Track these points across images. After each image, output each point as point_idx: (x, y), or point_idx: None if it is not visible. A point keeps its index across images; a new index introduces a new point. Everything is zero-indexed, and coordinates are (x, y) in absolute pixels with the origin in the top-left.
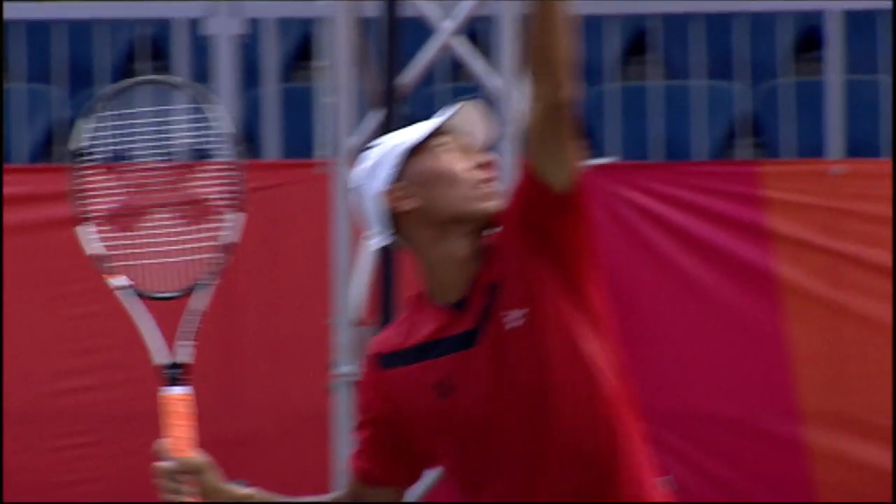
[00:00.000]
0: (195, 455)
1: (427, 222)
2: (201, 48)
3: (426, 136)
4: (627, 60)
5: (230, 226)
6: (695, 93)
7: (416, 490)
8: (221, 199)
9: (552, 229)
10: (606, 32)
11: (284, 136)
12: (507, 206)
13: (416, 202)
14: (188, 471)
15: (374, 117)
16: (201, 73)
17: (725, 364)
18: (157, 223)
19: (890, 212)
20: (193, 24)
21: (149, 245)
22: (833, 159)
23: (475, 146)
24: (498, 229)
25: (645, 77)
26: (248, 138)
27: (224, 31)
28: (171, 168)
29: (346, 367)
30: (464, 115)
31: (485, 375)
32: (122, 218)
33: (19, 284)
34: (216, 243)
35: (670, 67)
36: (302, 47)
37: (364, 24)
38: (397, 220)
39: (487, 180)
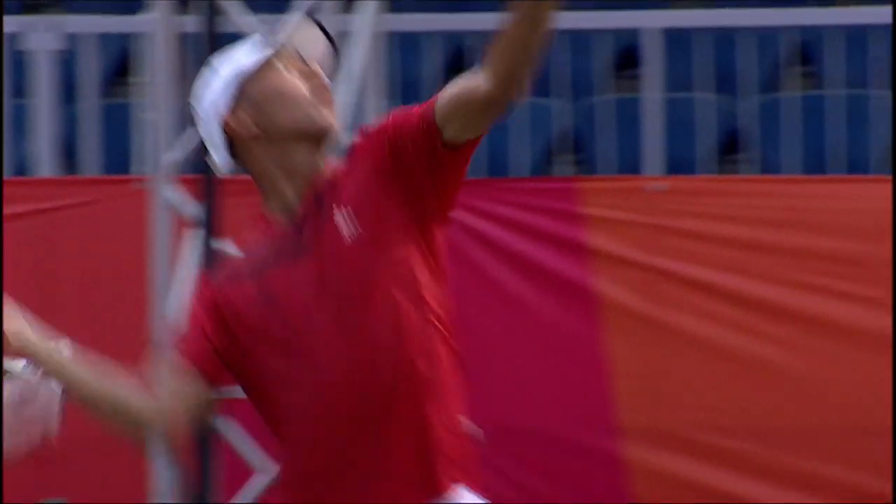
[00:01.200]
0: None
1: (267, 142)
2: (19, 63)
3: (261, 57)
4: (448, 77)
5: None
6: (515, 109)
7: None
8: None
9: (420, 165)
10: (427, 49)
11: (103, 151)
12: (380, 127)
13: (254, 123)
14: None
15: (194, 134)
16: (19, 88)
17: (544, 380)
18: None
19: (709, 228)
20: (11, 38)
21: None
22: (651, 176)
23: (310, 64)
24: (338, 145)
25: None
26: (67, 154)
27: (42, 45)
28: None
29: None
30: (297, 34)
31: (311, 287)
32: None
33: None
34: None
35: None
36: (121, 63)
37: (184, 40)
38: (238, 144)
39: (325, 95)
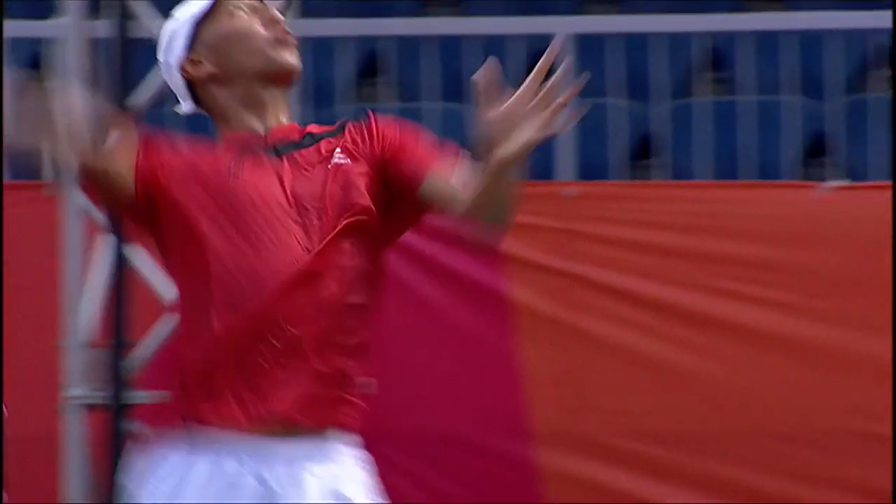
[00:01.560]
0: None
1: (226, 84)
2: None
3: (214, 1)
4: (361, 82)
5: None
6: (427, 115)
7: None
8: None
9: (394, 186)
10: (339, 54)
11: (14, 156)
12: (392, 128)
13: (212, 67)
14: None
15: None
16: None
17: (458, 385)
18: None
19: (622, 233)
20: None
21: None
22: (564, 181)
23: (269, 8)
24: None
25: (377, 99)
26: None
27: None
28: None
29: (77, 389)
30: None
31: (275, 180)
32: None
33: None
34: None
35: (403, 89)
36: (33, 68)
37: (95, 45)
38: (198, 88)
39: (286, 37)
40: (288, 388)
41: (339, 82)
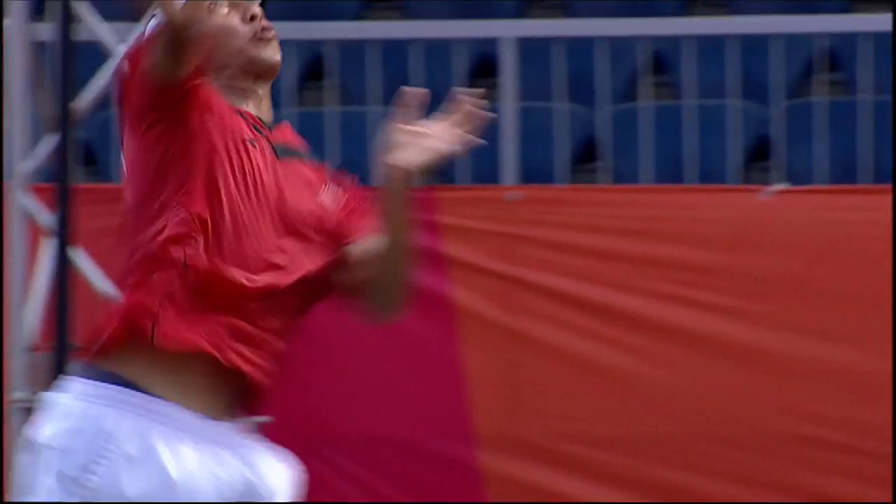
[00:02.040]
0: None
1: (210, 76)
2: None
3: None
4: (304, 86)
5: None
6: (371, 119)
7: None
8: None
9: None
10: (283, 57)
11: None
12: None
13: None
14: None
15: (49, 142)
16: None
17: (401, 388)
18: None
19: (565, 237)
20: None
21: None
22: (508, 185)
23: (250, 5)
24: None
25: (321, 103)
26: None
27: None
28: None
29: (20, 393)
30: None
31: (273, 177)
32: None
33: None
34: None
35: (347, 93)
36: None
37: (39, 48)
38: None
39: (265, 33)
40: (246, 359)
41: (283, 86)
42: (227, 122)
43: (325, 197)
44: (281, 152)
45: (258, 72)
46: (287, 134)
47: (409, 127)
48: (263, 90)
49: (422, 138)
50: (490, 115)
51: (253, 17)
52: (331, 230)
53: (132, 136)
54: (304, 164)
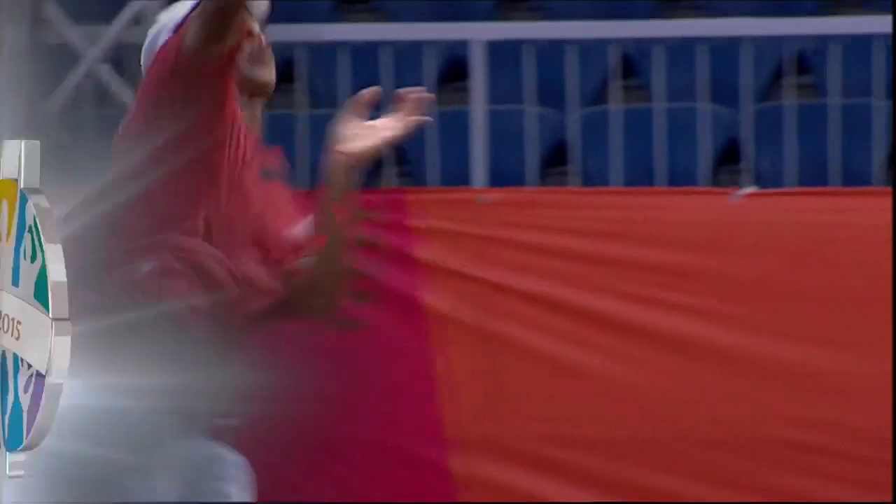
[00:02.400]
0: None
1: None
2: None
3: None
4: (275, 89)
5: None
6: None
7: None
8: None
9: None
10: None
11: None
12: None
13: None
14: None
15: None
16: None
17: (375, 390)
18: None
19: (538, 239)
20: None
21: None
22: (480, 188)
23: (249, 22)
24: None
25: (291, 106)
26: None
27: None
28: None
29: None
30: None
31: (256, 201)
32: None
33: None
34: None
35: (315, 97)
36: None
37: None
38: None
39: (261, 53)
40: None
41: None
42: (238, 125)
43: (298, 227)
44: (268, 175)
45: (252, 90)
46: (269, 157)
47: (356, 122)
48: (257, 108)
49: (368, 130)
50: (425, 118)
51: (250, 35)
52: (288, 253)
53: (147, 108)
54: (281, 188)
